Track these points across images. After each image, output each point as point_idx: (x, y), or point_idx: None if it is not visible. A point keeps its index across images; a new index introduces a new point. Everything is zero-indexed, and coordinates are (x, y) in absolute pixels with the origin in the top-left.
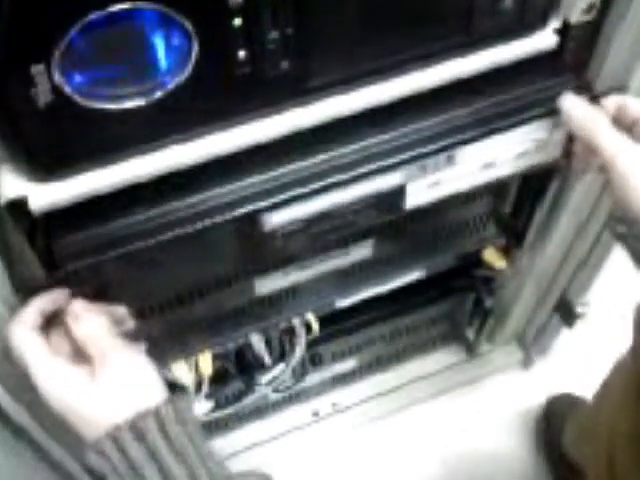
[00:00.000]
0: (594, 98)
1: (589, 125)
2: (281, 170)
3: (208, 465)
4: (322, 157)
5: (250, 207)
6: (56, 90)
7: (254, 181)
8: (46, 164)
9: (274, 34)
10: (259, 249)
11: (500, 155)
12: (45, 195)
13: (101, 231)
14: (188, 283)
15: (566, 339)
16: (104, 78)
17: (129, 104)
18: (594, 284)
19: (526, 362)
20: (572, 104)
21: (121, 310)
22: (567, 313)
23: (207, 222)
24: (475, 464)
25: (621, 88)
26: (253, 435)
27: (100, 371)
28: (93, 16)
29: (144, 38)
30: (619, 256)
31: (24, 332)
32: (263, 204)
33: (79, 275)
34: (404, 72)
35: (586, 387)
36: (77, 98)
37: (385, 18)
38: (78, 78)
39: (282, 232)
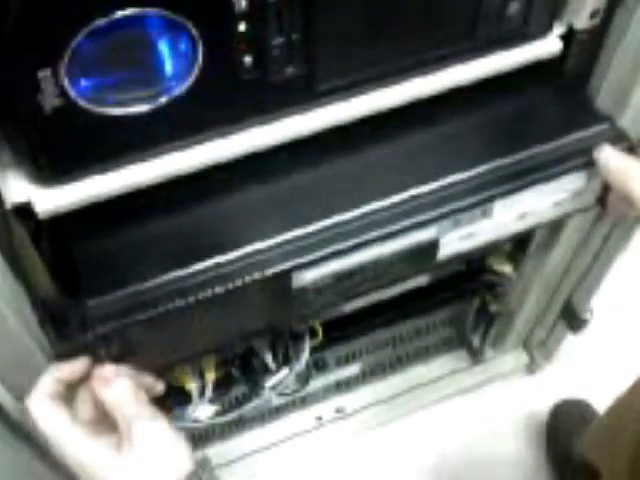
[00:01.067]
0: (630, 149)
1: (625, 178)
2: (314, 226)
3: None
4: (357, 212)
5: (284, 266)
6: (62, 95)
7: (288, 237)
8: (52, 168)
9: (279, 39)
10: (286, 304)
11: (535, 205)
12: (51, 199)
13: (133, 292)
14: (210, 338)
15: (571, 344)
16: (110, 83)
17: (135, 109)
18: (599, 290)
19: (531, 367)
20: (608, 156)
21: (149, 379)
22: (572, 319)
23: (239, 282)
24: (480, 469)
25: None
26: (256, 440)
27: (126, 442)
28: (100, 22)
29: (150, 44)
30: (624, 262)
31: (43, 403)
32: (297, 262)
33: (107, 336)
34: (409, 78)
35: (592, 392)
36: (83, 103)
37: (391, 23)
38: (84, 83)
39: (312, 288)
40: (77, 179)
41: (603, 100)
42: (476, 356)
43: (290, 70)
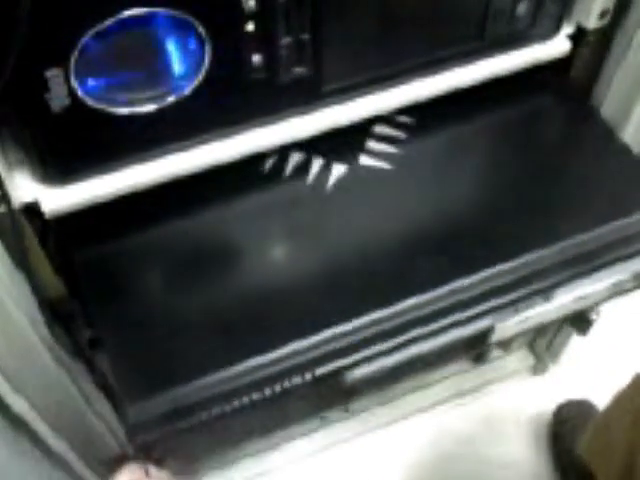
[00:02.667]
0: None
1: None
2: (364, 319)
3: None
4: (410, 302)
5: (333, 365)
6: (70, 95)
7: (337, 333)
8: (60, 168)
9: (288, 39)
10: (334, 396)
11: (595, 287)
12: (58, 199)
13: (176, 396)
14: (253, 429)
15: (577, 345)
16: (118, 83)
17: (142, 109)
18: None
19: (537, 368)
20: None
21: None
22: (578, 319)
23: (287, 384)
24: (485, 470)
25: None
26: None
27: None
28: (108, 21)
29: (158, 43)
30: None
31: None
32: (347, 361)
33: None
34: (418, 77)
35: (598, 393)
36: (90, 103)
37: (399, 24)
38: (92, 83)
39: (360, 381)
40: (84, 179)
41: (607, 109)
42: (482, 356)
43: (298, 70)
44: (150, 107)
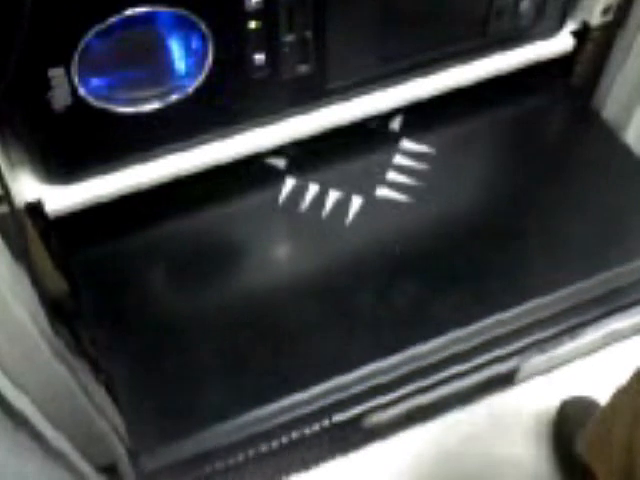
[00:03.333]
0: None
1: None
2: (387, 362)
3: None
4: (434, 344)
5: (354, 410)
6: (73, 94)
7: (358, 375)
8: (63, 167)
9: (290, 37)
10: (359, 438)
11: (624, 324)
12: (61, 198)
13: (191, 444)
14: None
15: None
16: (121, 82)
17: (145, 108)
18: None
19: None
20: None
21: None
22: None
23: (307, 430)
24: (489, 468)
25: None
26: None
27: None
28: (111, 20)
29: (161, 42)
30: None
31: None
32: (369, 406)
33: None
34: (422, 75)
35: (601, 391)
36: (93, 102)
37: (403, 21)
38: (95, 82)
39: (378, 425)
40: (87, 178)
41: (609, 111)
42: None
43: (301, 68)
44: (153, 106)
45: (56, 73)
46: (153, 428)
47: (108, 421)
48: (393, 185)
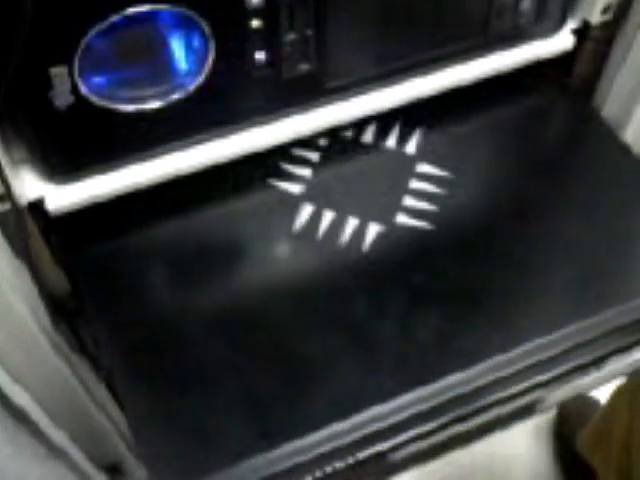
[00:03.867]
0: None
1: None
2: (407, 397)
3: None
4: (459, 377)
5: (375, 449)
6: (75, 92)
7: (378, 413)
8: (64, 166)
9: (292, 36)
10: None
11: None
12: (63, 197)
13: None
14: None
15: None
16: (124, 80)
17: (147, 106)
18: None
19: None
20: None
21: None
22: None
23: (328, 468)
24: (489, 465)
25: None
26: None
27: None
28: (112, 19)
29: (162, 40)
30: None
31: None
32: (389, 444)
33: None
34: (422, 74)
35: (602, 390)
36: (95, 100)
37: (404, 19)
38: (96, 80)
39: (402, 460)
40: (88, 177)
41: (609, 110)
42: None
43: (301, 67)
44: (154, 104)
45: (58, 72)
46: (166, 468)
47: (109, 419)
48: (411, 211)
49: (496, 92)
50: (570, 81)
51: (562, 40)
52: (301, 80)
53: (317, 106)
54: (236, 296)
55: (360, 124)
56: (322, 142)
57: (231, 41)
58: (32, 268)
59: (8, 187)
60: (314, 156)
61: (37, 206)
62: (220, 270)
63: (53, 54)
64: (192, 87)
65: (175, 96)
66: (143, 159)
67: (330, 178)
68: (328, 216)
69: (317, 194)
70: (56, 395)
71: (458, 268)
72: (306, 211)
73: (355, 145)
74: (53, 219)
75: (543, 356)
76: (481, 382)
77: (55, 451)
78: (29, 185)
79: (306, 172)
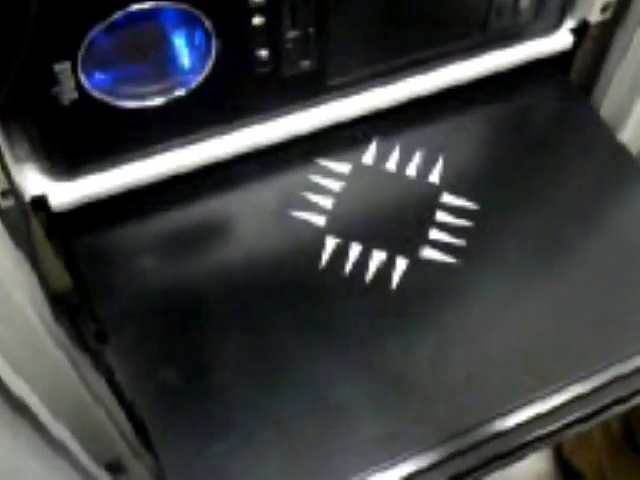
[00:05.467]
0: None
1: None
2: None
3: None
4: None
5: None
6: (78, 88)
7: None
8: (68, 161)
9: (293, 33)
10: None
11: None
12: (66, 192)
13: None
14: None
15: None
16: (125, 77)
17: (149, 103)
18: None
19: None
20: None
21: None
22: None
23: None
24: None
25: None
26: None
27: None
28: (116, 15)
29: (165, 37)
30: None
31: None
32: None
33: None
34: (422, 71)
35: None
36: (99, 96)
37: (404, 16)
38: (101, 77)
39: None
40: (92, 172)
41: (607, 108)
42: None
43: (303, 64)
44: (157, 101)
45: (62, 68)
46: None
47: (109, 415)
48: (437, 245)
49: (502, 97)
50: (568, 78)
51: (561, 39)
52: (303, 77)
53: (318, 103)
54: (260, 336)
55: (384, 150)
56: (345, 170)
57: (233, 38)
58: (34, 262)
59: (12, 183)
60: (338, 185)
61: (40, 202)
62: (241, 305)
63: (57, 50)
64: (194, 84)
65: (177, 93)
66: (146, 156)
67: (353, 209)
68: (355, 250)
69: (342, 226)
70: (56, 388)
71: (488, 305)
72: (330, 244)
73: (380, 173)
74: (55, 215)
75: (575, 394)
76: (515, 423)
77: (55, 445)
78: (32, 181)
79: (328, 202)
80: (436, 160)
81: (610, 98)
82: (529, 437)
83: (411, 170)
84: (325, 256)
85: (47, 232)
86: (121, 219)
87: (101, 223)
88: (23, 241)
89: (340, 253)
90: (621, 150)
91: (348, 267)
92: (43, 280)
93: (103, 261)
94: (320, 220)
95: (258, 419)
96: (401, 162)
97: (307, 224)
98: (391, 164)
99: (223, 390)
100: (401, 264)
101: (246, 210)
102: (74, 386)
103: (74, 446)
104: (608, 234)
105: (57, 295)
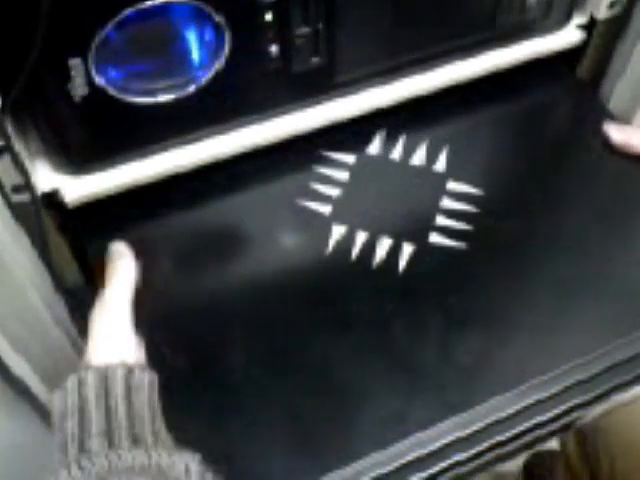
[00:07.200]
0: None
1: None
2: (447, 424)
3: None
4: (493, 403)
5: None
6: (91, 84)
7: (417, 441)
8: (81, 157)
9: (305, 29)
10: None
11: None
12: (80, 188)
13: None
14: None
15: None
16: (138, 72)
17: (162, 98)
18: None
19: None
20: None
21: None
22: None
23: None
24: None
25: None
26: None
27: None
28: (129, 11)
29: (178, 33)
30: None
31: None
32: (428, 473)
33: None
34: (430, 68)
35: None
36: (112, 92)
37: (413, 13)
38: (113, 72)
39: None
40: (105, 168)
41: (615, 105)
42: None
43: (313, 60)
44: (169, 97)
45: (76, 63)
46: None
47: None
48: (444, 230)
49: (508, 96)
50: (575, 74)
51: (569, 35)
52: (312, 73)
53: (326, 100)
54: (271, 321)
55: (389, 142)
56: (350, 160)
57: (246, 34)
58: (47, 258)
59: (27, 177)
60: (343, 175)
61: (53, 198)
62: (251, 292)
63: (71, 46)
64: (207, 80)
65: (190, 89)
66: (156, 151)
67: (361, 197)
68: (362, 236)
69: (348, 214)
70: (56, 366)
71: (496, 288)
72: (337, 232)
73: (384, 163)
74: (68, 211)
75: (584, 376)
76: (521, 406)
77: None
78: (46, 177)
79: (336, 192)
80: (441, 151)
81: (617, 95)
82: (536, 421)
83: (418, 159)
84: (332, 243)
85: (61, 228)
86: (132, 216)
87: (112, 219)
88: (35, 236)
89: (346, 240)
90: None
91: (354, 253)
92: (56, 277)
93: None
94: (327, 209)
95: (267, 401)
96: (406, 152)
97: (314, 213)
98: (395, 155)
99: (233, 374)
100: (408, 249)
101: (255, 205)
102: (74, 366)
103: None
104: (611, 218)
105: (69, 291)
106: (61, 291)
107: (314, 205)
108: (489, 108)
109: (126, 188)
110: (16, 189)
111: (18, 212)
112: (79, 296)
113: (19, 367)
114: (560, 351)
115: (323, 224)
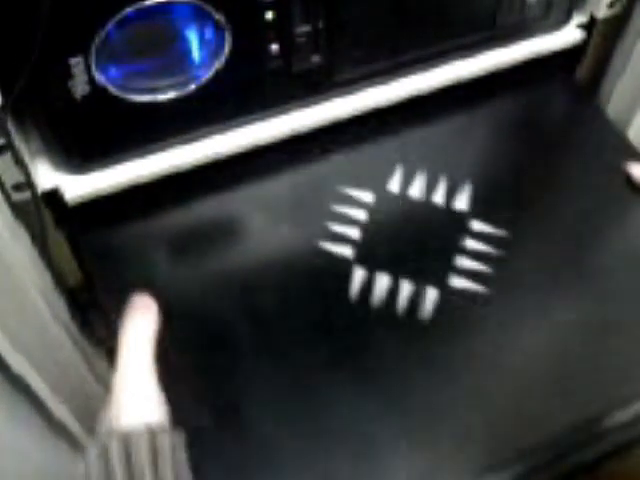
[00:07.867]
0: None
1: None
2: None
3: None
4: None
5: None
6: (92, 82)
7: None
8: (81, 155)
9: (305, 28)
10: None
11: None
12: (80, 186)
13: None
14: None
15: None
16: (139, 71)
17: (163, 97)
18: None
19: None
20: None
21: None
22: None
23: None
24: None
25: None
26: None
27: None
28: (129, 10)
29: (178, 32)
30: None
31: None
32: None
33: None
34: (430, 66)
35: None
36: (112, 90)
37: (412, 12)
38: (114, 71)
39: None
40: (105, 166)
41: (613, 107)
42: None
43: (312, 59)
44: (170, 95)
45: (77, 61)
46: None
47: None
48: (468, 274)
49: (508, 95)
50: (574, 77)
51: (568, 35)
52: (312, 72)
53: (325, 99)
54: (294, 369)
55: (407, 180)
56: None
57: (245, 33)
58: (47, 256)
59: (28, 175)
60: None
61: (54, 196)
62: (267, 333)
63: (72, 45)
64: (207, 79)
65: (189, 87)
66: (157, 150)
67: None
68: (383, 280)
69: (370, 256)
70: (56, 365)
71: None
72: (359, 275)
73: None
74: (69, 209)
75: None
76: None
77: (55, 426)
78: (46, 175)
79: (354, 232)
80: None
81: (617, 94)
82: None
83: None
84: (354, 286)
85: (61, 226)
86: (132, 214)
87: (113, 218)
88: (35, 234)
89: (368, 283)
90: (628, 148)
91: (377, 297)
92: (56, 275)
93: (113, 257)
94: (348, 251)
95: (283, 454)
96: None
97: (334, 255)
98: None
99: (260, 435)
100: (432, 294)
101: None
102: (74, 363)
103: (75, 427)
104: (632, 246)
105: (71, 290)
106: (61, 289)
107: (336, 248)
108: (487, 111)
109: (127, 186)
110: (17, 187)
111: (18, 210)
112: (79, 294)
113: (18, 365)
114: (590, 401)
115: (343, 267)
